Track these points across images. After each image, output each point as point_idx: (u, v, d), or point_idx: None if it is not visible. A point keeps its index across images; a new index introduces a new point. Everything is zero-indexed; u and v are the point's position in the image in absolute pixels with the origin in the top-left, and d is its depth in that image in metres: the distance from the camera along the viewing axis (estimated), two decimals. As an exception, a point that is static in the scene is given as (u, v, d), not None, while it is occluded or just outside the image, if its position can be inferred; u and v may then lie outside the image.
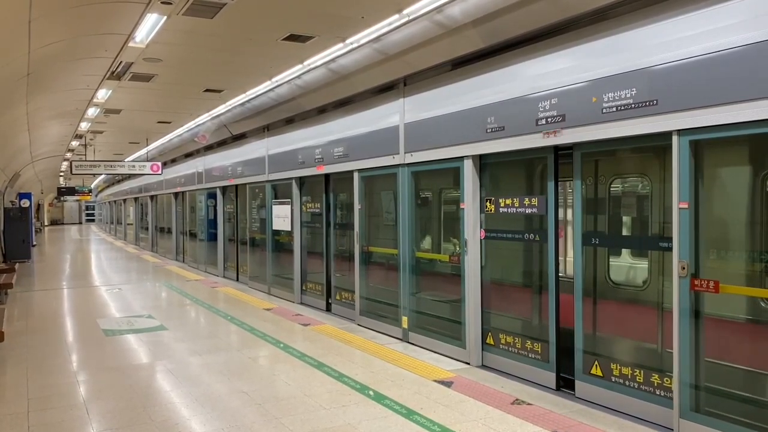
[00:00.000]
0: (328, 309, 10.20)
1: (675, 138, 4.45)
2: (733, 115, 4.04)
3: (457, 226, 6.83)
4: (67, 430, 4.79)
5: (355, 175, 8.74)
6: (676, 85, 4.42)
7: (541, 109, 5.57)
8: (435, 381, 5.93)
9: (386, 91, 8.01)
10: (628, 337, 5.27)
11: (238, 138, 13.73)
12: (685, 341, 4.45)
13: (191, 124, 14.93)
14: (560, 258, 8.93)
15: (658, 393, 4.81)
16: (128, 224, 32.50)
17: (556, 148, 5.66)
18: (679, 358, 4.48)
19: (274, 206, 11.79)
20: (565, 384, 5.72)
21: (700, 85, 4.26)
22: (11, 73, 8.25)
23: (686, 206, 4.41)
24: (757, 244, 4.24)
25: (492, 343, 6.53)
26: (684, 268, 4.42)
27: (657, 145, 4.81)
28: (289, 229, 11.09)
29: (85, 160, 17.73)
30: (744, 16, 4.02)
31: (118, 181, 33.44)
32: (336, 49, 7.72)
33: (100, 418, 5.00)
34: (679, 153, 4.44)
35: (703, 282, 4.34)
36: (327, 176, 9.96)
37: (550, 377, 5.82)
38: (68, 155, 21.81)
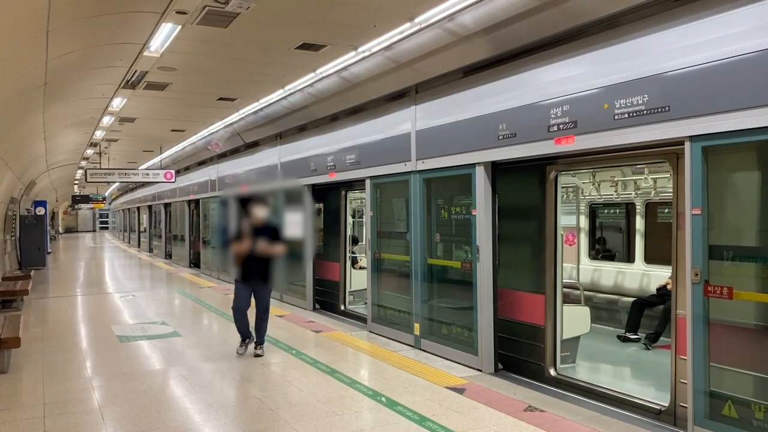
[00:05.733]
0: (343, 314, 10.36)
1: (687, 144, 4.44)
2: (747, 121, 4.03)
3: (469, 233, 6.83)
4: (82, 435, 4.84)
5: (367, 182, 8.77)
6: (688, 91, 4.42)
7: (553, 116, 5.58)
8: (447, 388, 5.92)
9: (398, 98, 8.04)
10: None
11: (251, 146, 13.82)
12: (699, 348, 4.42)
13: (204, 132, 15.04)
14: (571, 266, 8.88)
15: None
16: (142, 232, 32.72)
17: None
18: (693, 365, 4.45)
19: (286, 213, 11.82)
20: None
21: (713, 91, 4.25)
22: (29, 82, 8.37)
23: (699, 212, 4.39)
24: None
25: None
26: (697, 275, 4.40)
27: None
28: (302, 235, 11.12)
29: (100, 168, 17.94)
30: (756, 22, 4.02)
31: (132, 189, 33.70)
32: (348, 58, 7.78)
33: (114, 423, 5.05)
34: (691, 159, 4.43)
35: (716, 288, 4.32)
36: (342, 184, 10.03)
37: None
38: (83, 163, 22.02)
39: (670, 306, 5.76)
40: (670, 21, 4.59)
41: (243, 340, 7.43)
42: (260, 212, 7.19)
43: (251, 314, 7.37)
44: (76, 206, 47.90)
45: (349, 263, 10.86)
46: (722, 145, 4.29)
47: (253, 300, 7.36)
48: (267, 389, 5.97)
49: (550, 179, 6.14)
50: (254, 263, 7.16)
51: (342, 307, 10.66)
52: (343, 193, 10.61)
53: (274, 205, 11.31)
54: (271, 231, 7.23)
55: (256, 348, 7.35)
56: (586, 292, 8.13)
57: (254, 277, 7.26)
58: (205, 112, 12.34)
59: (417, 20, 6.33)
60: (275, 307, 11.11)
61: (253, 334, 7.44)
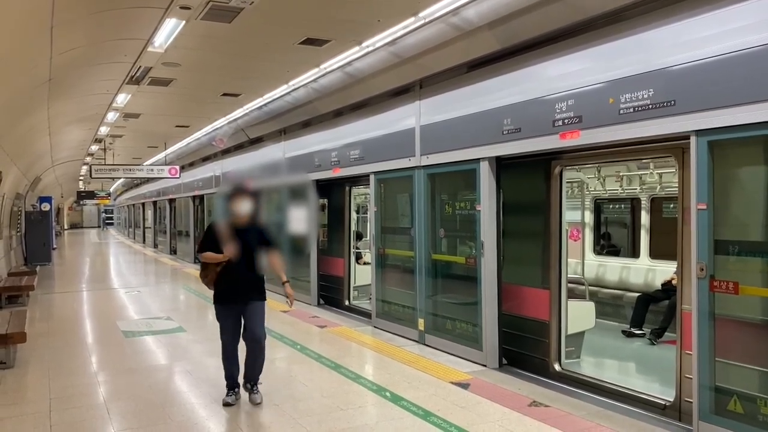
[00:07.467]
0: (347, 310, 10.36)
1: (693, 139, 4.42)
2: (753, 115, 4.01)
3: (474, 228, 6.82)
4: (88, 430, 4.86)
5: (372, 178, 8.76)
6: (694, 85, 4.40)
7: (558, 111, 5.56)
8: (452, 383, 5.92)
9: (402, 93, 8.02)
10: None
11: (255, 141, 13.83)
12: (704, 343, 4.41)
13: (209, 128, 15.06)
14: (576, 261, 8.86)
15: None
16: (146, 228, 32.80)
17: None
18: (698, 360, 4.44)
19: (290, 209, 11.83)
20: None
21: (719, 85, 4.23)
22: (33, 78, 8.39)
23: (704, 207, 4.37)
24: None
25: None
26: (702, 270, 4.39)
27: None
28: (306, 231, 11.13)
29: (105, 164, 17.97)
30: (762, 16, 3.99)
31: (137, 185, 33.76)
32: (352, 53, 7.76)
33: (120, 418, 5.06)
34: (697, 154, 4.40)
35: (722, 283, 4.31)
36: (346, 179, 10.02)
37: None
38: (88, 159, 22.08)
39: (675, 301, 5.75)
40: (676, 15, 4.56)
41: (231, 388, 5.41)
42: (244, 206, 5.35)
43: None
44: (81, 202, 48.11)
45: (353, 259, 10.86)
46: (728, 140, 4.26)
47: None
48: (271, 384, 5.97)
49: (554, 174, 6.12)
50: (237, 276, 5.33)
51: (346, 303, 10.67)
52: (347, 188, 10.60)
53: (276, 200, 11.38)
54: (259, 233, 5.46)
55: (251, 392, 5.41)
56: (590, 288, 8.12)
57: (239, 296, 5.36)
58: (209, 107, 12.34)
59: (421, 15, 6.32)
60: (278, 302, 11.12)
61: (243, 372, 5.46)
